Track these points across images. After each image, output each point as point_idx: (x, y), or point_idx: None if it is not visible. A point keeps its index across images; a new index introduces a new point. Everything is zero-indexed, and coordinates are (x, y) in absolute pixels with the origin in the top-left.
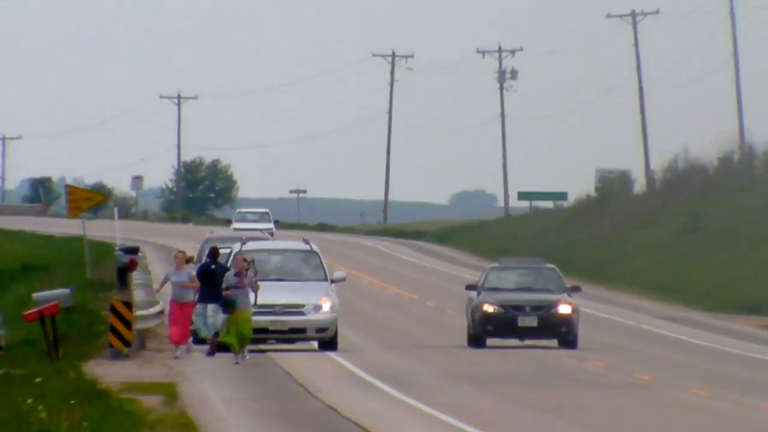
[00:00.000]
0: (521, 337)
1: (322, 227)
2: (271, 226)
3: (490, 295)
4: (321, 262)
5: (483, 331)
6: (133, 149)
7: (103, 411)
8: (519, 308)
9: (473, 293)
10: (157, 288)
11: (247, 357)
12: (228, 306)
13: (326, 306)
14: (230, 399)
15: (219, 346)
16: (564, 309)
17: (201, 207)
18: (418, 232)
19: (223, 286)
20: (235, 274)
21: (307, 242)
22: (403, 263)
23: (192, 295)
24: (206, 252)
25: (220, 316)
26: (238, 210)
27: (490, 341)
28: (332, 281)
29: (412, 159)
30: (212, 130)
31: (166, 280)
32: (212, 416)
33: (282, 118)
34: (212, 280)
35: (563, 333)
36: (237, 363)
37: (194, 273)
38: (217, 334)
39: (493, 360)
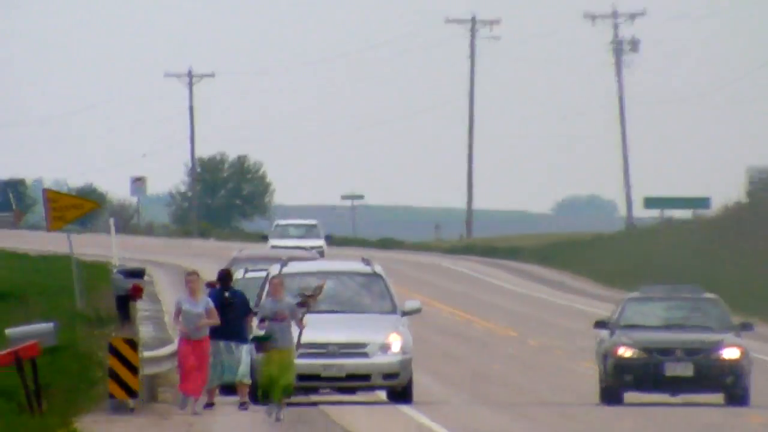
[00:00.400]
0: (672, 391)
1: (386, 243)
2: (321, 243)
3: (628, 335)
4: (388, 288)
5: (619, 383)
6: (132, 143)
7: None
8: (668, 352)
9: (605, 332)
10: (171, 320)
11: (284, 413)
12: (263, 342)
13: (396, 345)
14: None
15: (253, 396)
16: (730, 353)
17: (224, 217)
18: (512, 249)
19: (258, 315)
20: (270, 298)
21: (368, 263)
22: (494, 290)
23: (208, 330)
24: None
25: (243, 355)
26: (276, 222)
27: (628, 396)
28: (404, 313)
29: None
30: (236, 118)
31: (178, 310)
32: None
33: (328, 103)
34: (227, 312)
35: (729, 385)
36: (278, 420)
37: (212, 304)
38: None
39: (630, 422)
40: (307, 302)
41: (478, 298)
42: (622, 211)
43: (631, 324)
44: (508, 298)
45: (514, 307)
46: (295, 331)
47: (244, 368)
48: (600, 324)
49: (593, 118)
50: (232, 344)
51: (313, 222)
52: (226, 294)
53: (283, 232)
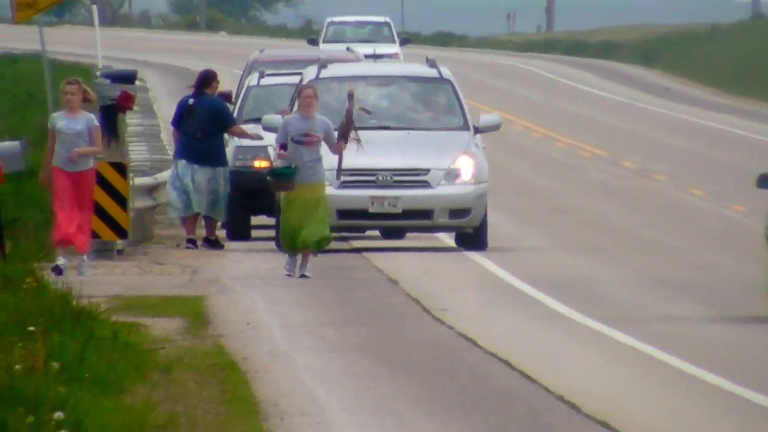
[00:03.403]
0: None
1: (444, 39)
2: (396, 49)
3: None
4: (458, 96)
5: None
6: None
7: (85, 344)
8: None
9: None
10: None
11: (310, 268)
12: (283, 179)
13: (467, 171)
14: (294, 323)
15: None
16: None
17: (239, 5)
18: (604, 44)
19: (278, 138)
20: (298, 115)
21: (433, 64)
22: (581, 97)
23: (92, 160)
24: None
25: (216, 183)
26: (330, 19)
27: None
28: (477, 130)
29: None
30: None
31: (52, 131)
32: (265, 351)
33: None
34: (186, 124)
35: None
36: (304, 275)
37: (96, 122)
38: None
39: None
40: (350, 120)
41: (559, 109)
42: None
43: None
44: (597, 108)
45: (606, 119)
46: (329, 159)
47: (213, 198)
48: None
49: None
50: (194, 166)
51: (382, 19)
52: (190, 101)
53: (339, 33)
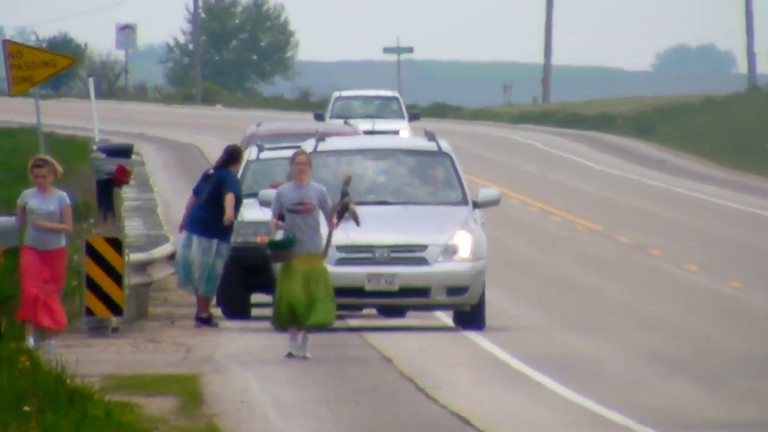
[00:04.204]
0: None
1: (440, 110)
2: (404, 125)
3: None
4: (457, 170)
5: None
6: None
7: (79, 424)
8: None
9: None
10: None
11: (310, 348)
12: (280, 248)
13: (465, 247)
14: (288, 402)
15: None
16: None
17: (235, 78)
18: (600, 116)
19: (273, 209)
20: (291, 183)
21: (432, 137)
22: (577, 170)
23: (64, 238)
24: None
25: (213, 255)
26: (337, 93)
27: None
28: (476, 205)
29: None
30: None
31: (23, 209)
32: (260, 431)
33: None
34: (203, 192)
35: None
36: (305, 357)
37: (68, 201)
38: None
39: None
40: (345, 203)
41: (555, 181)
42: (742, 66)
43: None
44: (593, 180)
45: (601, 192)
46: (323, 231)
47: (205, 273)
48: None
49: None
50: (194, 237)
51: (390, 93)
52: (210, 171)
53: (346, 109)
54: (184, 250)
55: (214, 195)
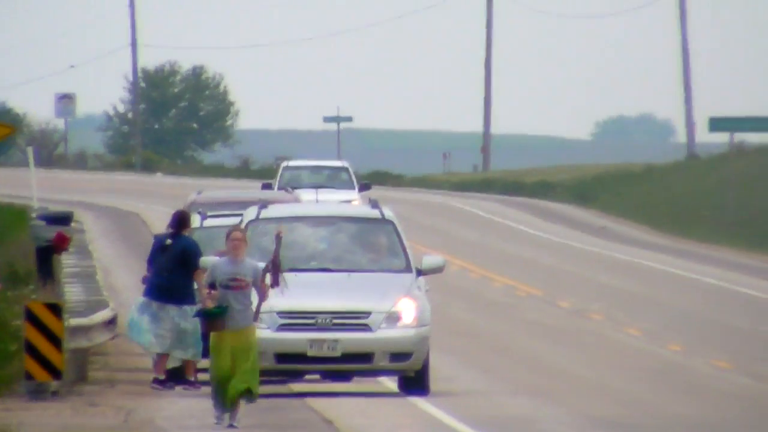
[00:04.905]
0: None
1: (381, 177)
2: (354, 195)
3: None
4: (400, 238)
5: None
6: (58, 50)
7: None
8: None
9: None
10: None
11: (239, 418)
12: (213, 319)
13: (408, 314)
14: None
15: (174, 375)
16: None
17: (175, 146)
18: (540, 184)
19: (205, 281)
20: (227, 258)
21: (375, 205)
22: (517, 237)
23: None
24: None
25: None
26: (286, 163)
27: None
28: (420, 272)
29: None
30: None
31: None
32: None
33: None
34: (159, 261)
35: None
36: (232, 425)
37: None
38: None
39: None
40: (275, 264)
41: (495, 248)
42: (681, 135)
43: None
44: (533, 247)
45: (542, 258)
46: (254, 301)
47: (180, 337)
48: None
49: (645, 15)
50: (156, 303)
51: (340, 163)
52: (168, 241)
53: (295, 179)
54: (140, 315)
55: (177, 263)
